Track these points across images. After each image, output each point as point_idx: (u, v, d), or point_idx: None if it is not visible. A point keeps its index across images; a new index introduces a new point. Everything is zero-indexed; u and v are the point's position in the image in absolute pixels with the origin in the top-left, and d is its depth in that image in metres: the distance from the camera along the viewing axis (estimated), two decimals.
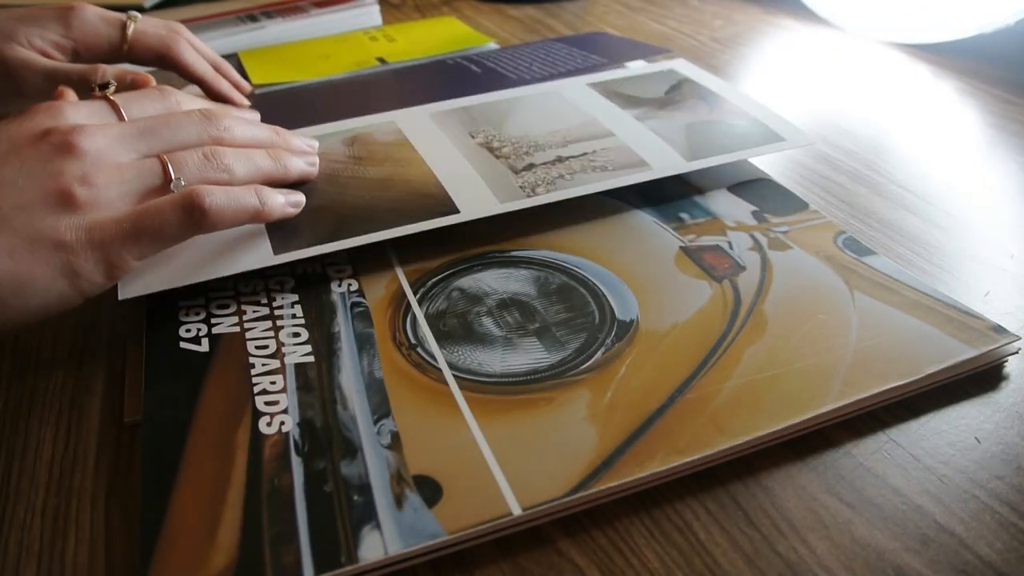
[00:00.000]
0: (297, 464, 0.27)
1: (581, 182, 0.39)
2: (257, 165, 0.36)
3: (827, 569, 0.24)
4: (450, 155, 0.42)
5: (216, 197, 0.32)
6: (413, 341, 0.32)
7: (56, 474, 0.29)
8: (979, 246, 0.38)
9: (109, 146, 0.32)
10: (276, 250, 0.35)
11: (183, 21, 0.70)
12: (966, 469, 0.27)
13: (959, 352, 0.30)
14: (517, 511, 0.25)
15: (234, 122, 0.37)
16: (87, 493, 0.28)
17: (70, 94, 0.36)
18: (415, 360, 0.31)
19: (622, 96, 0.48)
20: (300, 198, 0.37)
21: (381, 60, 0.63)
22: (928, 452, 0.28)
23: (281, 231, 0.36)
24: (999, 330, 0.31)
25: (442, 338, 0.32)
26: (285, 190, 0.36)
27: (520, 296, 0.35)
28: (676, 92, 0.49)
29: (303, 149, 0.40)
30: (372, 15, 0.75)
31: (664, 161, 0.41)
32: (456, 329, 0.33)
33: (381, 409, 0.29)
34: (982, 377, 0.31)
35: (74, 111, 0.34)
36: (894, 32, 0.64)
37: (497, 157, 0.41)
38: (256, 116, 0.42)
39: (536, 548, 0.25)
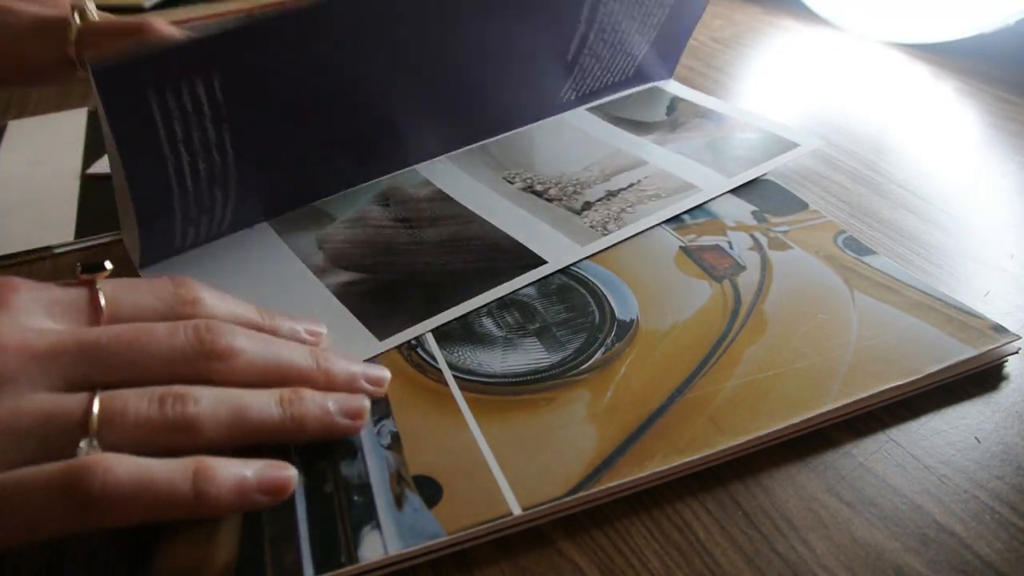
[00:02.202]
0: (297, 464, 0.27)
1: (643, 213, 0.39)
2: (245, 419, 0.24)
3: (827, 569, 0.24)
4: (500, 205, 0.40)
5: (115, 477, 0.21)
6: (413, 341, 0.32)
7: None
8: (979, 246, 0.38)
9: (23, 370, 0.23)
10: (380, 336, 0.32)
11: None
12: (966, 469, 0.27)
13: (959, 352, 0.30)
14: (517, 511, 0.25)
15: (248, 343, 0.26)
16: None
17: (155, 26, 0.30)
18: (415, 360, 0.31)
19: (627, 121, 0.49)
20: (283, 480, 0.24)
21: None
22: (928, 452, 0.28)
23: (374, 315, 0.33)
24: (999, 330, 0.31)
25: (442, 338, 0.32)
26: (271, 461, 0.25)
27: (520, 296, 0.35)
28: (676, 112, 0.50)
29: (352, 387, 0.27)
30: None
31: (708, 181, 0.42)
32: (456, 330, 0.33)
33: (381, 409, 0.29)
34: (982, 377, 0.31)
35: (29, 297, 0.25)
36: (894, 32, 0.64)
37: (549, 200, 0.41)
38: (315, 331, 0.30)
39: (536, 548, 0.25)
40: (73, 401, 0.23)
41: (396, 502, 0.26)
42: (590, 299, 0.34)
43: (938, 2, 0.60)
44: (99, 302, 0.25)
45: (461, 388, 0.30)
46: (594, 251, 0.37)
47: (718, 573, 0.24)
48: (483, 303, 0.34)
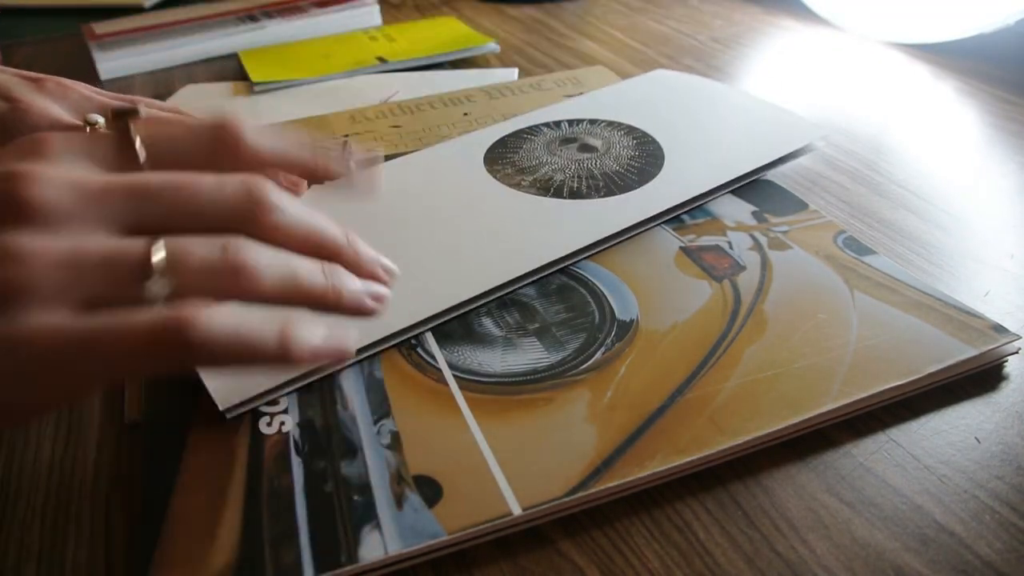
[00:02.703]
0: (297, 464, 0.27)
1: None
2: (297, 279, 0.25)
3: (827, 569, 0.24)
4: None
5: (214, 331, 0.21)
6: (413, 341, 0.32)
7: (56, 474, 0.29)
8: (979, 246, 0.38)
9: (77, 206, 0.22)
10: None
11: (183, 21, 0.70)
12: (966, 469, 0.27)
13: (959, 352, 0.30)
14: (517, 511, 0.25)
15: (290, 203, 0.25)
16: (87, 493, 0.28)
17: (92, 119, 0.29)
18: (415, 360, 0.31)
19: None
20: (346, 342, 0.25)
21: (381, 59, 0.63)
22: (928, 452, 0.28)
23: None
24: (999, 329, 0.31)
25: (442, 338, 0.32)
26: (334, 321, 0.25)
27: (520, 296, 0.35)
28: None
29: (373, 272, 0.28)
30: (372, 15, 0.75)
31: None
32: (456, 330, 0.33)
33: (381, 409, 0.29)
34: (982, 377, 0.31)
35: (65, 145, 0.24)
36: (894, 32, 0.64)
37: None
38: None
39: (536, 548, 0.25)
40: (136, 243, 0.22)
41: (396, 502, 0.26)
42: (590, 299, 0.34)
43: (938, 2, 0.60)
44: (136, 149, 0.24)
45: (461, 388, 0.30)
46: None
47: (718, 573, 0.24)
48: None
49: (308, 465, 0.27)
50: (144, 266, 0.22)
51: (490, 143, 0.46)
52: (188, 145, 0.25)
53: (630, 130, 0.47)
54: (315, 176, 0.28)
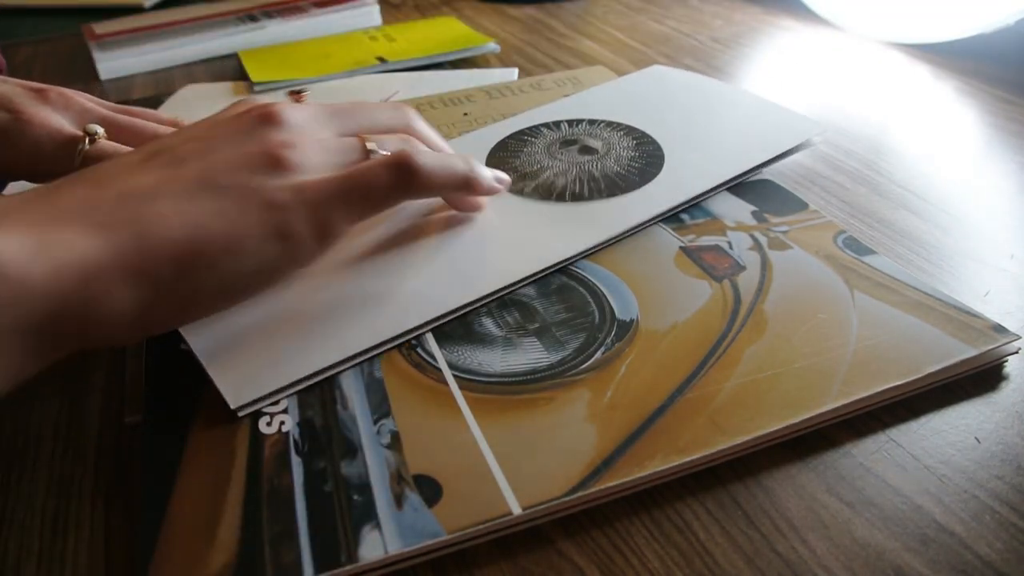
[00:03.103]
0: (297, 464, 0.27)
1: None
2: (452, 163, 0.34)
3: (827, 569, 0.24)
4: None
5: (426, 158, 0.32)
6: (413, 341, 0.32)
7: (56, 474, 0.29)
8: (979, 246, 0.38)
9: (308, 121, 0.32)
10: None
11: (183, 21, 0.70)
12: (966, 469, 0.27)
13: (959, 352, 0.30)
14: (517, 511, 0.25)
15: (425, 123, 0.37)
16: (87, 493, 0.28)
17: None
18: (415, 360, 0.31)
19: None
20: (507, 177, 0.38)
21: (381, 59, 0.63)
22: (928, 452, 0.28)
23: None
24: (999, 329, 0.31)
25: (442, 338, 0.32)
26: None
27: (520, 296, 0.35)
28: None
29: (495, 189, 0.37)
30: (372, 15, 0.75)
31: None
32: (456, 329, 0.33)
33: (381, 409, 0.29)
34: (982, 377, 0.31)
35: (266, 100, 0.34)
36: (894, 32, 0.64)
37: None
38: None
39: (536, 548, 0.25)
40: (350, 139, 0.33)
41: (396, 501, 0.26)
42: (590, 299, 0.34)
43: (938, 2, 0.60)
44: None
45: (461, 388, 0.30)
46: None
47: (718, 573, 0.24)
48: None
49: (308, 465, 0.27)
50: (363, 148, 0.33)
51: (491, 146, 0.46)
52: (377, 113, 0.36)
53: (629, 130, 0.47)
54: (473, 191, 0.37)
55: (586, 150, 0.45)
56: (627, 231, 0.38)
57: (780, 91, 0.57)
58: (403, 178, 0.31)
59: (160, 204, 0.27)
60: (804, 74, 0.60)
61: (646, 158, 0.44)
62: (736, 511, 0.26)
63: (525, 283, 0.35)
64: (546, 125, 0.48)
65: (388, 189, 0.31)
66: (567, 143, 0.46)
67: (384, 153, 0.33)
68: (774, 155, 0.43)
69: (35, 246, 0.24)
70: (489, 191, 0.37)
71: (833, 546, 0.25)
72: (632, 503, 0.27)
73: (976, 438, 0.28)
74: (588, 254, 0.37)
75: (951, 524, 0.25)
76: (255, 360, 0.30)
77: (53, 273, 0.24)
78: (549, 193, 0.41)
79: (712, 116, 0.47)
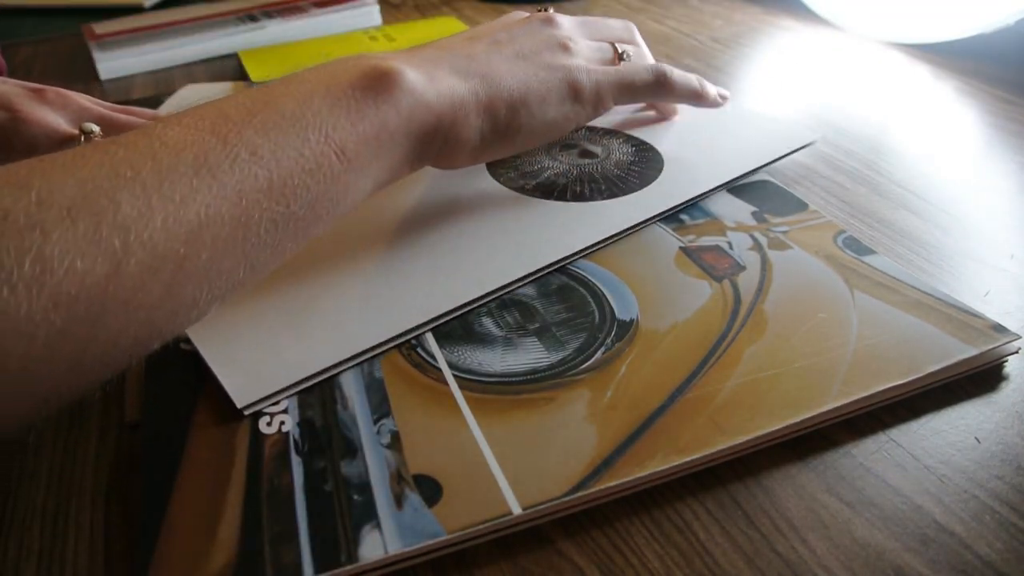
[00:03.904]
0: (297, 464, 0.27)
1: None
2: (690, 79, 0.44)
3: (827, 569, 0.24)
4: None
5: (676, 72, 0.42)
6: (413, 341, 0.32)
7: (56, 474, 0.29)
8: (979, 246, 0.38)
9: (573, 25, 0.42)
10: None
11: (183, 21, 0.70)
12: (966, 469, 0.27)
13: (959, 351, 0.30)
14: (517, 511, 0.25)
15: (640, 37, 0.46)
16: (87, 493, 0.28)
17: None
18: (415, 360, 0.31)
19: None
20: (727, 92, 0.47)
21: None
22: (928, 452, 0.28)
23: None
24: (999, 329, 0.31)
25: (442, 338, 0.32)
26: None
27: (520, 296, 0.35)
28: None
29: (717, 102, 0.46)
30: (372, 15, 0.75)
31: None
32: (456, 329, 0.33)
33: (381, 409, 0.29)
34: (982, 377, 0.31)
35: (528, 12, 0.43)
36: (894, 32, 0.64)
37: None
38: None
39: (536, 548, 0.25)
40: (604, 43, 0.43)
41: (396, 501, 0.26)
42: (590, 299, 0.34)
43: (938, 2, 0.60)
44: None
45: (461, 388, 0.30)
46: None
47: (718, 573, 0.24)
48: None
49: (308, 465, 0.27)
50: (614, 50, 0.42)
51: None
52: (611, 27, 0.46)
53: (628, 138, 0.47)
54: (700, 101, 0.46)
55: (586, 154, 0.45)
56: (627, 230, 0.38)
57: (780, 91, 0.57)
58: (660, 82, 0.41)
59: (497, 64, 0.36)
60: (804, 74, 0.60)
61: (645, 163, 0.44)
62: (736, 511, 0.26)
63: (525, 282, 0.35)
64: None
65: (647, 87, 0.41)
66: (567, 147, 0.46)
67: (630, 56, 0.43)
68: (772, 159, 0.44)
69: (427, 77, 0.33)
70: (714, 104, 0.45)
71: (833, 546, 0.25)
72: (632, 503, 0.27)
73: (976, 438, 0.28)
74: (587, 253, 0.37)
75: (951, 524, 0.25)
76: (260, 359, 0.30)
77: (437, 97, 0.33)
78: (550, 191, 0.41)
79: (709, 123, 0.48)
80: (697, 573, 0.24)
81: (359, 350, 0.31)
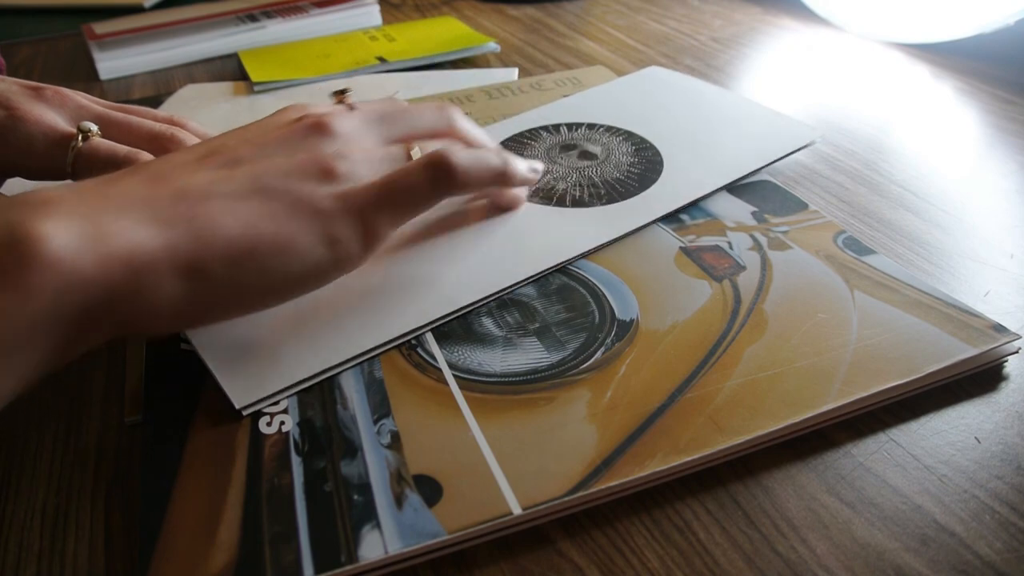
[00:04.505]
0: (297, 464, 0.27)
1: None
2: (486, 158, 0.36)
3: (827, 569, 0.24)
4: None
5: (461, 156, 0.33)
6: (413, 341, 0.32)
7: (56, 474, 0.29)
8: (979, 246, 0.38)
9: (356, 130, 0.34)
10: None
11: (183, 21, 0.70)
12: (966, 469, 0.27)
13: (959, 351, 0.30)
14: (517, 511, 0.25)
15: (467, 120, 0.39)
16: (87, 493, 0.28)
17: (145, 160, 0.36)
18: (415, 360, 0.31)
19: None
20: (540, 165, 0.40)
21: (381, 59, 0.63)
22: (928, 452, 0.28)
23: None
24: (999, 329, 0.31)
25: (442, 338, 0.32)
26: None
27: (520, 296, 0.35)
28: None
29: (528, 180, 0.39)
30: (372, 15, 0.75)
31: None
32: (456, 329, 0.33)
33: (381, 409, 0.29)
34: (982, 377, 0.31)
35: (316, 108, 0.35)
36: (894, 32, 0.64)
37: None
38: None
39: (536, 548, 0.25)
40: (396, 146, 0.35)
41: (396, 501, 0.26)
42: (590, 299, 0.34)
43: (938, 2, 0.60)
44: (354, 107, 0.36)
45: (461, 388, 0.30)
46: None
47: (718, 573, 0.24)
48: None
49: (308, 465, 0.27)
50: (407, 156, 0.34)
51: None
52: (380, 105, 0.37)
53: (628, 135, 0.47)
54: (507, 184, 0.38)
55: (585, 155, 0.45)
56: (625, 234, 0.38)
57: (780, 91, 0.57)
58: (440, 177, 0.32)
59: (215, 203, 0.28)
60: (804, 74, 0.60)
61: (645, 163, 0.44)
62: (736, 511, 0.26)
63: (524, 283, 0.35)
64: (545, 128, 0.48)
65: (427, 189, 0.32)
66: (566, 147, 0.46)
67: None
68: (770, 160, 0.43)
69: (88, 234, 0.24)
70: (523, 182, 0.38)
71: (833, 546, 0.25)
72: (632, 503, 0.27)
73: (976, 438, 0.28)
74: (586, 255, 0.37)
75: (951, 524, 0.25)
76: (259, 360, 0.30)
77: (103, 262, 0.24)
78: (550, 197, 0.41)
79: (709, 122, 0.48)
80: (697, 573, 0.24)
81: (358, 352, 0.31)
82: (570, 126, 0.48)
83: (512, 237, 0.38)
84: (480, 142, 0.39)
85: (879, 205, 0.42)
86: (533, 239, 0.38)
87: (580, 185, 0.42)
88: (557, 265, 0.36)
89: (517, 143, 0.47)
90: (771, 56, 0.65)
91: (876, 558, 0.24)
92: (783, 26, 0.71)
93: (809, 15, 0.71)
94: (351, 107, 0.35)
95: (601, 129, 0.48)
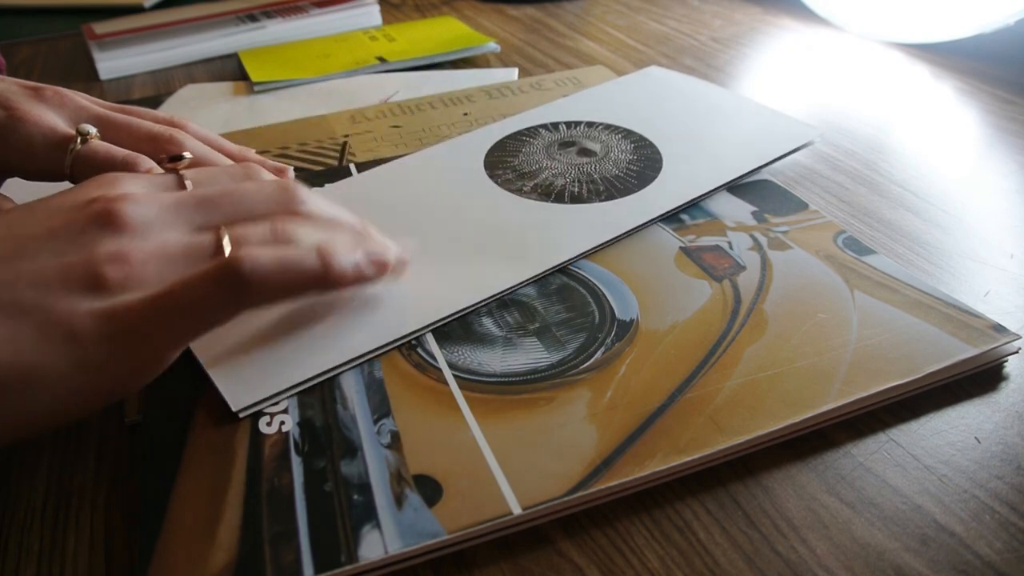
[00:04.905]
0: (297, 464, 0.27)
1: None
2: (330, 248, 0.29)
3: (827, 569, 0.24)
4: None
5: (261, 262, 0.26)
6: (413, 341, 0.32)
7: (56, 474, 0.29)
8: (979, 246, 0.38)
9: (159, 217, 0.28)
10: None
11: (183, 21, 0.70)
12: (966, 469, 0.27)
13: (959, 351, 0.30)
14: (517, 511, 0.25)
15: (315, 197, 0.32)
16: (87, 493, 0.28)
17: (144, 163, 0.33)
18: (415, 360, 0.31)
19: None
20: (385, 256, 0.31)
21: (381, 59, 0.63)
22: (928, 452, 0.28)
23: None
24: (999, 329, 0.31)
25: (442, 338, 0.32)
26: (371, 249, 0.31)
27: (520, 296, 0.35)
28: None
29: (384, 255, 0.32)
30: (372, 15, 0.75)
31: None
32: (456, 329, 0.33)
33: (381, 409, 0.29)
34: (982, 377, 0.31)
35: (133, 182, 0.30)
36: (894, 32, 0.64)
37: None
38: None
39: (536, 548, 0.25)
40: (206, 236, 0.28)
41: (396, 501, 0.25)
42: (590, 299, 0.34)
43: (938, 2, 0.60)
44: (185, 183, 0.31)
45: (461, 388, 0.30)
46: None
47: (718, 573, 0.24)
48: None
49: (308, 465, 0.27)
50: (216, 249, 0.28)
51: (489, 146, 0.46)
52: (225, 179, 0.32)
53: (628, 134, 0.47)
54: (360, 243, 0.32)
55: (584, 152, 0.45)
56: (625, 233, 0.38)
57: (780, 91, 0.57)
58: (231, 291, 0.26)
59: None
60: (804, 74, 0.60)
61: (644, 161, 0.44)
62: (736, 511, 0.26)
63: (525, 284, 0.35)
64: (544, 126, 0.48)
65: (215, 305, 0.26)
66: (565, 144, 0.46)
67: (241, 252, 0.27)
68: (769, 160, 0.44)
69: None
70: (355, 281, 0.30)
71: (833, 546, 0.25)
72: (632, 503, 0.27)
73: (976, 438, 0.28)
74: (587, 254, 0.37)
75: (951, 524, 0.25)
76: (256, 363, 0.30)
77: None
78: (548, 193, 0.41)
79: (708, 121, 0.48)
80: (697, 573, 0.24)
81: (355, 355, 0.31)
82: (569, 124, 0.48)
83: (512, 236, 0.38)
84: (333, 223, 0.31)
85: (879, 205, 0.42)
86: (533, 238, 0.38)
87: (579, 181, 0.42)
88: (558, 265, 0.36)
89: (516, 141, 0.47)
90: (771, 56, 0.65)
91: (876, 558, 0.24)
92: (783, 26, 0.71)
93: (809, 15, 0.71)
94: (180, 180, 0.31)
95: (600, 127, 0.48)
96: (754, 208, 0.40)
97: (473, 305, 0.34)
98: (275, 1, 0.75)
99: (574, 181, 0.42)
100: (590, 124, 0.48)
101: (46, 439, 0.30)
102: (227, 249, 0.27)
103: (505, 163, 0.44)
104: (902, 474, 0.27)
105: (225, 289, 0.26)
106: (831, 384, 0.29)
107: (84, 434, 0.31)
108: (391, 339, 0.32)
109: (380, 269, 0.31)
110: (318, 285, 0.29)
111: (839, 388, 0.29)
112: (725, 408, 0.28)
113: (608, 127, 0.48)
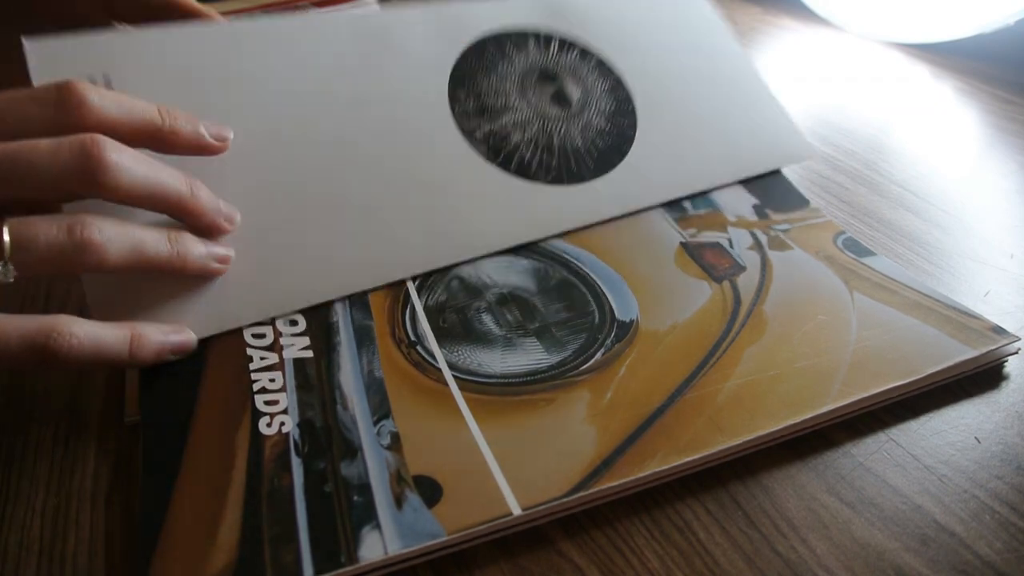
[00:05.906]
0: (297, 464, 0.27)
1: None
2: (143, 250, 0.26)
3: (827, 569, 0.24)
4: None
5: (78, 341, 0.25)
6: (413, 338, 0.32)
7: (56, 474, 0.29)
8: (979, 246, 0.38)
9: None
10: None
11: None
12: (966, 469, 0.27)
13: (959, 352, 0.30)
14: (517, 511, 0.25)
15: (130, 160, 0.26)
16: (87, 493, 0.28)
17: None
18: (415, 359, 0.31)
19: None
20: (186, 340, 0.29)
21: None
22: (928, 452, 0.28)
23: None
24: (999, 330, 0.31)
25: (442, 336, 0.32)
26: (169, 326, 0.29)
27: (520, 292, 0.35)
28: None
29: (216, 223, 0.29)
30: None
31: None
32: (456, 327, 0.33)
33: (381, 409, 0.29)
34: (982, 377, 0.31)
35: None
36: (894, 32, 0.64)
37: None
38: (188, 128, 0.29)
39: (536, 548, 0.25)
40: None
41: (396, 502, 0.25)
42: (590, 299, 0.34)
43: (938, 2, 0.60)
44: None
45: (461, 388, 0.30)
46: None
47: (718, 573, 0.24)
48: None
49: (308, 465, 0.27)
50: None
51: (468, 44, 0.40)
52: (33, 111, 0.25)
53: (616, 85, 0.42)
54: (163, 144, 0.28)
55: (559, 99, 0.40)
56: (552, 236, 0.37)
57: (780, 91, 0.57)
58: (40, 363, 0.24)
59: None
60: (804, 74, 0.60)
61: (613, 137, 0.40)
62: (736, 511, 0.26)
63: (468, 263, 0.35)
64: (536, 37, 0.42)
65: (14, 368, 0.25)
66: (545, 78, 0.41)
67: (11, 273, 0.24)
68: (751, 175, 0.42)
69: None
70: (156, 359, 0.28)
71: (833, 546, 0.25)
72: (632, 503, 0.27)
73: (976, 438, 0.28)
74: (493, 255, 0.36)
75: (951, 524, 0.25)
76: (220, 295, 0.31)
77: None
78: (498, 150, 0.38)
79: (710, 96, 0.44)
80: (697, 573, 0.24)
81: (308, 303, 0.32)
82: (563, 43, 0.42)
83: (440, 206, 0.36)
84: (154, 197, 0.27)
85: (879, 205, 0.42)
86: (459, 215, 0.36)
87: (536, 144, 0.38)
88: (467, 261, 0.35)
89: (499, 44, 0.41)
90: (771, 56, 0.65)
91: (876, 558, 0.24)
92: (783, 26, 0.71)
93: (809, 15, 0.71)
94: None
95: (593, 62, 0.42)
96: (756, 200, 0.40)
97: (365, 290, 0.33)
98: (275, 1, 0.75)
99: (531, 141, 0.38)
100: (584, 53, 0.42)
101: (46, 439, 0.30)
102: (6, 250, 0.23)
103: (475, 81, 0.39)
104: (902, 474, 0.27)
105: (35, 357, 0.24)
106: (831, 385, 0.29)
107: (84, 434, 0.31)
108: (333, 295, 0.33)
109: (182, 349, 0.29)
110: (119, 366, 0.28)
111: (839, 389, 0.29)
112: (725, 408, 0.28)
113: (601, 67, 0.42)
